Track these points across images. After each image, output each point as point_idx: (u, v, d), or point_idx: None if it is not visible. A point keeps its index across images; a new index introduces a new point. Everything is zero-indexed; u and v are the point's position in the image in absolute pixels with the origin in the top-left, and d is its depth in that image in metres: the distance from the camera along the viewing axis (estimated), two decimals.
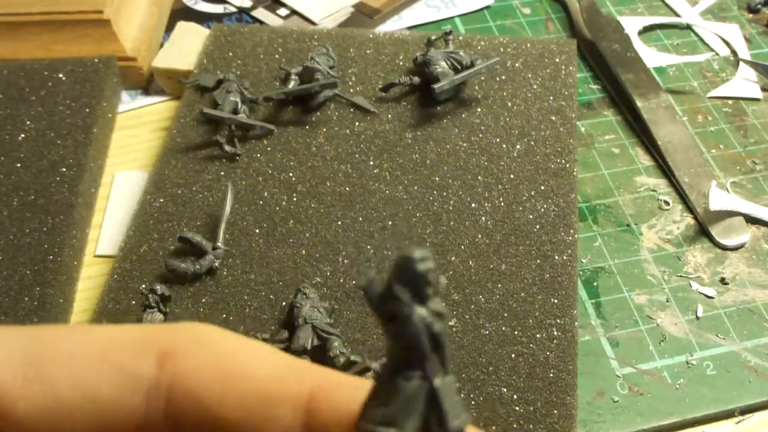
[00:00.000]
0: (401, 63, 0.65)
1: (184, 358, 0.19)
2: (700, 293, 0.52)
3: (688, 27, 0.73)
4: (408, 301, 0.17)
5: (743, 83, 0.67)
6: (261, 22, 0.73)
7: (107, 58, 0.63)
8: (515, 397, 0.45)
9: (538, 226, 0.53)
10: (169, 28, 0.71)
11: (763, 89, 0.66)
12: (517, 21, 0.73)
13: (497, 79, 0.63)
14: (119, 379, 0.19)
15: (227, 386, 0.19)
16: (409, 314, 0.17)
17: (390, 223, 0.53)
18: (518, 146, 0.58)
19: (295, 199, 0.55)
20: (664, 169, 0.59)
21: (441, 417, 0.17)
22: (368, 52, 0.66)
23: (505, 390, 0.45)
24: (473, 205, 0.54)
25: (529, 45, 0.66)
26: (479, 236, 0.52)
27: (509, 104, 0.61)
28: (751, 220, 0.56)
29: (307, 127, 0.60)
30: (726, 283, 0.52)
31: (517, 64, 0.64)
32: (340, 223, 0.53)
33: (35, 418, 0.19)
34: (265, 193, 0.55)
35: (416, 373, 0.17)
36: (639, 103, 0.63)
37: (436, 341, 0.17)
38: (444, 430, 0.17)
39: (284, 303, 0.49)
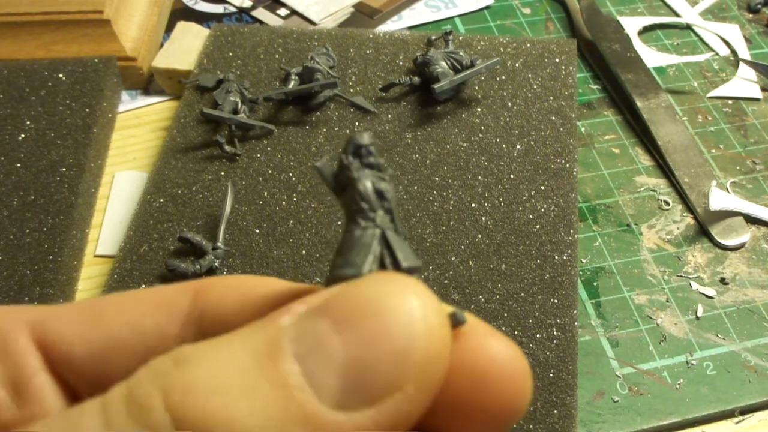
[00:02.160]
0: (401, 63, 0.65)
1: (212, 290, 0.23)
2: (700, 293, 0.52)
3: (688, 27, 0.73)
4: (356, 166, 0.20)
5: (743, 83, 0.67)
6: (261, 22, 0.73)
7: (107, 58, 0.63)
8: None
9: (538, 226, 0.53)
10: (169, 28, 0.71)
11: (763, 89, 0.66)
12: (517, 21, 0.73)
13: (497, 79, 0.63)
14: (161, 313, 0.22)
15: (244, 302, 0.22)
16: (358, 176, 0.20)
17: None
18: (518, 146, 0.58)
19: (295, 199, 0.55)
20: (664, 169, 0.59)
21: (394, 258, 0.19)
22: (368, 52, 0.66)
23: None
24: (473, 205, 0.54)
25: (529, 45, 0.66)
26: (479, 236, 0.52)
27: (509, 104, 0.61)
28: (751, 220, 0.56)
29: (307, 127, 0.60)
30: (726, 283, 0.52)
31: (517, 64, 0.64)
32: (340, 223, 0.53)
33: (90, 355, 0.22)
34: (265, 193, 0.55)
35: (369, 224, 0.20)
36: (639, 103, 0.63)
37: (382, 196, 0.20)
38: (397, 268, 0.19)
39: None
